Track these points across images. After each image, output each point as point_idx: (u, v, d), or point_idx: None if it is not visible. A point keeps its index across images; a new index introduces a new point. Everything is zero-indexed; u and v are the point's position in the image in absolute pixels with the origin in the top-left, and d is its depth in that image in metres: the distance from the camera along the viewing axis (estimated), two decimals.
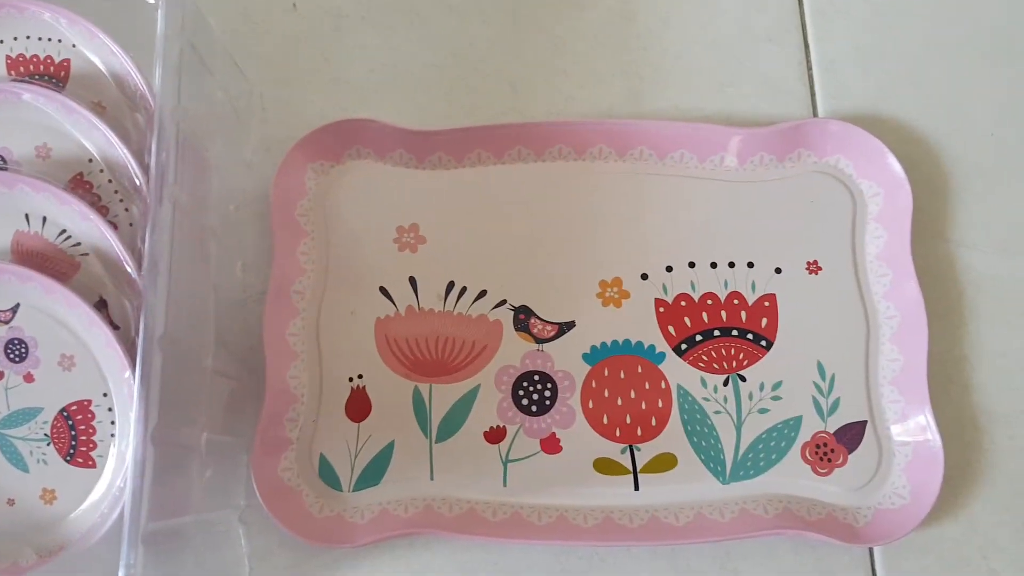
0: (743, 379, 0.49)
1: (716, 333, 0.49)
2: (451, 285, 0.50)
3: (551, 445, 0.48)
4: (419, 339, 0.49)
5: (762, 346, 0.49)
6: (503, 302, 0.50)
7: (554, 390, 0.49)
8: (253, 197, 0.52)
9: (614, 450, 0.48)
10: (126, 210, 0.43)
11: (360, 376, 0.49)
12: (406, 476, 0.47)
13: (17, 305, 0.42)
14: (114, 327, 0.41)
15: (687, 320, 0.50)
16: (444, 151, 0.51)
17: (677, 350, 0.49)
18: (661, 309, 0.50)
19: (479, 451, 0.48)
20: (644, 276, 0.50)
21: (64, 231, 0.42)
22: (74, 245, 0.42)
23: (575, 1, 0.56)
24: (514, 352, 0.49)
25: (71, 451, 0.42)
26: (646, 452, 0.48)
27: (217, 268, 0.46)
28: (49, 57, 0.44)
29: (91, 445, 0.42)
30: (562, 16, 0.56)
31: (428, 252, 0.51)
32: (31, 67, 0.44)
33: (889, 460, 0.47)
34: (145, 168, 0.41)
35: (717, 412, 0.48)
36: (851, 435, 0.48)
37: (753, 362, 0.49)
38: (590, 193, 0.51)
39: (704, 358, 0.49)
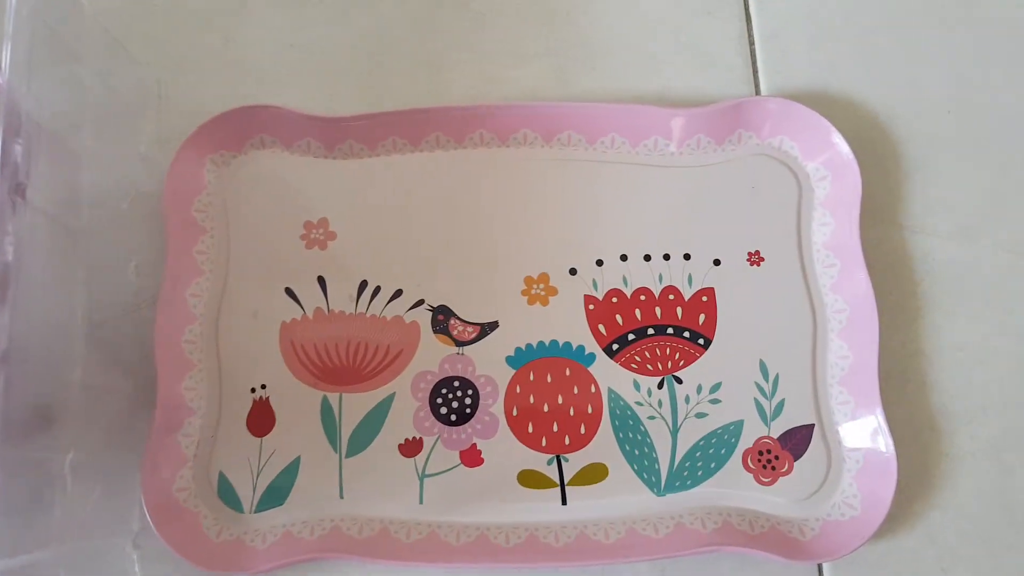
0: (679, 381, 0.45)
1: (650, 331, 0.46)
2: (364, 284, 0.46)
3: (472, 457, 0.44)
4: (328, 344, 0.45)
5: (699, 344, 0.45)
6: (420, 302, 0.46)
7: (475, 397, 0.45)
8: (148, 193, 0.47)
9: (540, 461, 0.44)
10: None
11: (263, 386, 0.45)
12: (313, 495, 0.43)
13: None
14: None
15: (619, 318, 0.46)
16: (355, 139, 0.47)
17: (608, 351, 0.45)
18: (591, 307, 0.46)
19: (393, 465, 0.44)
20: (573, 271, 0.46)
21: None
22: None
23: None
24: (432, 356, 0.45)
25: None
26: (575, 462, 0.44)
27: (104, 272, 0.42)
28: None
29: None
30: None
31: (339, 249, 0.47)
32: None
33: (839, 467, 0.44)
34: None
35: (651, 417, 0.44)
36: (797, 440, 0.44)
37: (690, 362, 0.45)
38: (514, 182, 0.48)
39: (637, 359, 0.45)
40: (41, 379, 0.36)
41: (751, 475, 0.44)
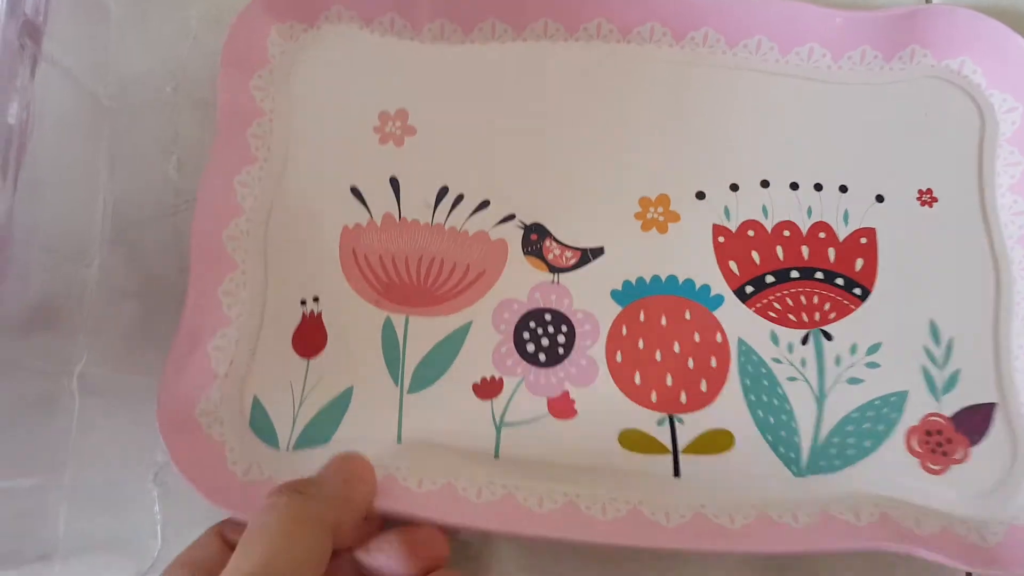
0: (828, 337, 0.36)
1: (794, 274, 0.37)
2: (444, 191, 0.38)
3: (562, 407, 0.35)
4: (397, 257, 0.37)
5: (855, 295, 0.36)
6: (511, 217, 0.38)
7: (570, 335, 0.36)
8: (197, 79, 0.40)
9: (648, 420, 0.35)
10: None
11: (316, 299, 0.37)
12: (365, 434, 0.35)
13: None
14: None
15: (755, 255, 0.37)
16: (448, 18, 0.39)
17: (740, 293, 0.37)
18: (721, 239, 0.37)
19: (465, 408, 0.35)
20: (700, 195, 0.38)
21: None
22: None
23: None
24: (521, 282, 0.37)
25: None
26: (691, 426, 0.35)
27: (140, 164, 0.36)
28: None
29: None
30: None
31: (417, 146, 0.39)
32: None
33: None
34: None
35: (792, 379, 0.35)
36: (975, 421, 0.35)
37: (843, 315, 0.36)
38: (635, 84, 0.39)
39: (777, 306, 0.36)
40: (47, 269, 0.30)
41: (917, 460, 0.34)
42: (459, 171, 0.38)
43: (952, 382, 0.35)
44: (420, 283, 0.37)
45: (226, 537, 0.31)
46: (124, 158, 0.39)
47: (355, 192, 0.38)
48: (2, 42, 0.27)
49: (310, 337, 0.36)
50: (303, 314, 0.37)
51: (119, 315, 0.37)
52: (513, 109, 0.39)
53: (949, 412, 0.35)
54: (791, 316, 0.36)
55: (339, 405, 0.35)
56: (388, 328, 0.36)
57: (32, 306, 0.31)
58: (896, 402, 0.35)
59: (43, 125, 0.31)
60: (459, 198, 0.38)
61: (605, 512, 0.33)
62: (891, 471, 0.34)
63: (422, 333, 0.36)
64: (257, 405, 0.35)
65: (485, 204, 0.38)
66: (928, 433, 0.35)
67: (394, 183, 0.38)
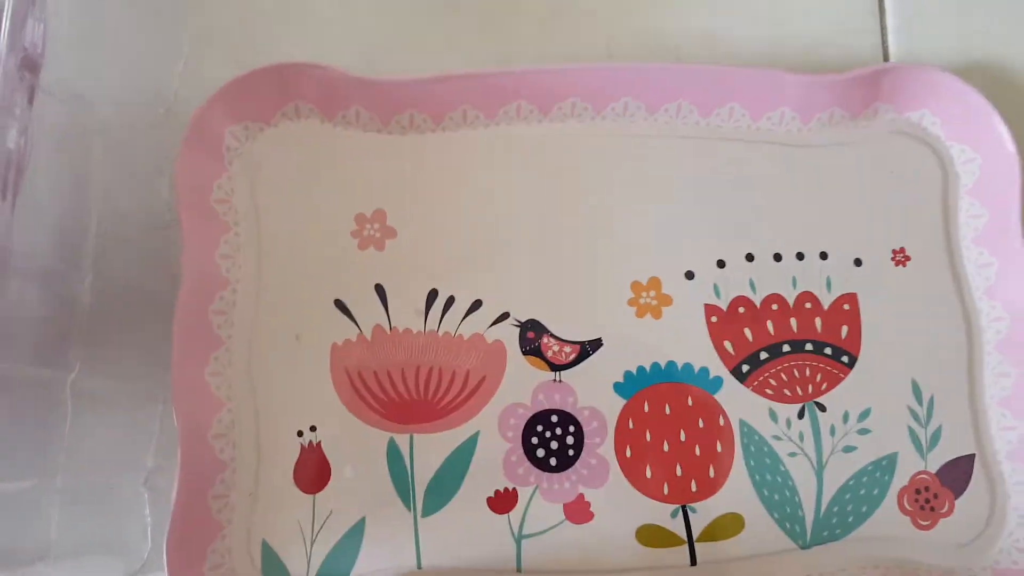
0: (822, 408, 0.37)
1: (786, 348, 0.38)
2: (434, 294, 0.37)
3: (579, 511, 0.36)
4: (393, 371, 0.36)
5: (843, 363, 0.38)
6: (505, 315, 0.37)
7: (579, 435, 0.36)
8: (186, 100, 0.39)
9: (663, 514, 0.36)
10: None
11: (313, 428, 0.35)
12: (384, 566, 0.34)
13: None
14: None
15: (748, 332, 0.38)
16: (418, 108, 0.37)
17: (737, 373, 0.37)
18: (714, 318, 0.38)
19: (482, 524, 0.35)
20: (689, 275, 0.38)
21: None
22: None
23: None
24: (523, 384, 0.36)
25: None
26: (703, 513, 0.36)
27: (133, 183, 0.37)
28: None
29: None
30: None
31: (400, 249, 0.37)
32: None
33: (1003, 504, 0.37)
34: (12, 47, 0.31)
35: (792, 454, 0.37)
36: (957, 474, 0.37)
37: (833, 385, 0.38)
38: (615, 163, 0.38)
39: (772, 382, 0.37)
40: (42, 284, 0.32)
41: (908, 518, 0.37)
42: (446, 272, 0.37)
43: (936, 439, 0.37)
44: (421, 397, 0.36)
45: None
46: (118, 178, 0.39)
47: (339, 305, 0.36)
48: (2, 75, 0.29)
49: (312, 470, 0.35)
50: (301, 446, 0.35)
51: (111, 326, 0.37)
52: (494, 199, 0.37)
53: (934, 468, 0.37)
54: (786, 391, 0.37)
55: (353, 538, 0.34)
56: (393, 450, 0.35)
57: (28, 318, 0.33)
58: (887, 465, 0.37)
59: (39, 147, 0.32)
60: (450, 300, 0.37)
61: None
62: (887, 532, 0.36)
63: (429, 450, 0.35)
64: (267, 549, 0.34)
65: (478, 304, 0.37)
66: (917, 491, 0.37)
67: (380, 291, 0.36)
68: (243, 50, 0.40)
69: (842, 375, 0.38)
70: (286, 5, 0.40)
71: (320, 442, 0.35)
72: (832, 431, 0.37)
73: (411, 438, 0.35)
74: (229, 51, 0.40)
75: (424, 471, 0.35)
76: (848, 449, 0.37)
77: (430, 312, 0.36)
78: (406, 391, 0.36)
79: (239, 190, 0.36)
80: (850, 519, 0.36)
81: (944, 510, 0.37)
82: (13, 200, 0.30)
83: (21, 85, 0.29)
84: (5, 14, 0.29)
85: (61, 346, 0.35)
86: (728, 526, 0.36)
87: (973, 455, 0.37)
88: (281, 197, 0.36)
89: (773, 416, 0.37)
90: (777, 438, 0.37)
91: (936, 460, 0.37)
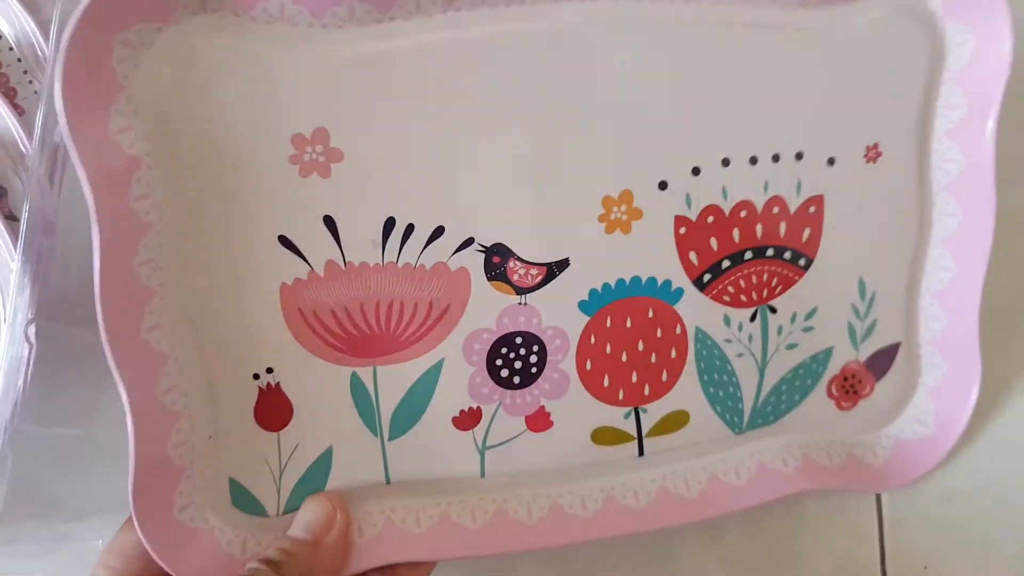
0: (773, 311, 0.38)
1: (748, 255, 0.37)
2: (391, 223, 0.33)
3: (539, 421, 0.37)
4: (351, 307, 0.33)
5: (800, 266, 0.38)
6: (469, 241, 0.34)
7: (542, 353, 0.36)
8: None
9: (616, 416, 0.38)
10: (35, 92, 0.37)
11: (270, 370, 0.33)
12: (355, 487, 0.35)
13: None
14: (12, 218, 0.35)
15: (714, 242, 0.37)
16: None
17: (699, 283, 0.37)
18: (682, 230, 0.36)
19: (448, 441, 0.36)
20: (663, 185, 0.35)
21: None
22: None
23: None
24: (488, 310, 0.35)
25: None
26: (654, 413, 0.38)
27: None
28: None
29: None
30: None
31: (348, 174, 0.32)
32: None
33: (913, 382, 0.41)
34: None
35: (740, 355, 0.38)
36: (882, 361, 0.40)
37: (788, 287, 0.38)
38: (584, 58, 0.33)
39: (731, 289, 0.37)
40: (84, 258, 0.30)
41: (833, 402, 0.40)
42: (403, 197, 0.33)
43: (870, 331, 0.40)
44: (382, 331, 0.34)
45: None
46: None
47: (284, 241, 0.32)
48: (50, 76, 0.33)
49: (273, 410, 0.34)
50: (259, 388, 0.33)
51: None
52: (451, 110, 0.32)
53: (864, 357, 0.40)
54: (743, 297, 0.38)
55: (321, 466, 0.35)
56: (356, 383, 0.34)
57: (72, 285, 0.36)
58: (823, 358, 0.39)
59: None
60: (409, 229, 0.33)
61: (585, 507, 0.38)
62: (811, 417, 0.40)
63: (393, 381, 0.35)
64: (235, 484, 0.34)
65: (440, 232, 0.33)
66: (845, 379, 0.40)
67: (329, 223, 0.32)
68: None
69: (796, 277, 0.38)
70: None
71: (279, 383, 0.33)
72: (779, 331, 0.39)
73: (374, 371, 0.34)
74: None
75: (389, 401, 0.35)
76: (791, 347, 0.39)
77: (387, 243, 0.33)
78: (367, 326, 0.34)
79: (142, 114, 0.29)
80: (782, 406, 0.40)
81: (866, 392, 0.41)
82: (60, 185, 0.34)
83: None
84: (54, 22, 0.33)
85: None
86: (675, 421, 0.38)
87: (899, 343, 0.40)
88: (196, 119, 0.30)
89: (727, 321, 0.38)
90: (728, 341, 0.38)
91: (867, 350, 0.40)
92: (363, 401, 0.35)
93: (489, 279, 0.35)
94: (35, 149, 0.33)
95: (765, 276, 0.38)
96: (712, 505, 0.39)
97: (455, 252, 0.34)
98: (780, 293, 0.38)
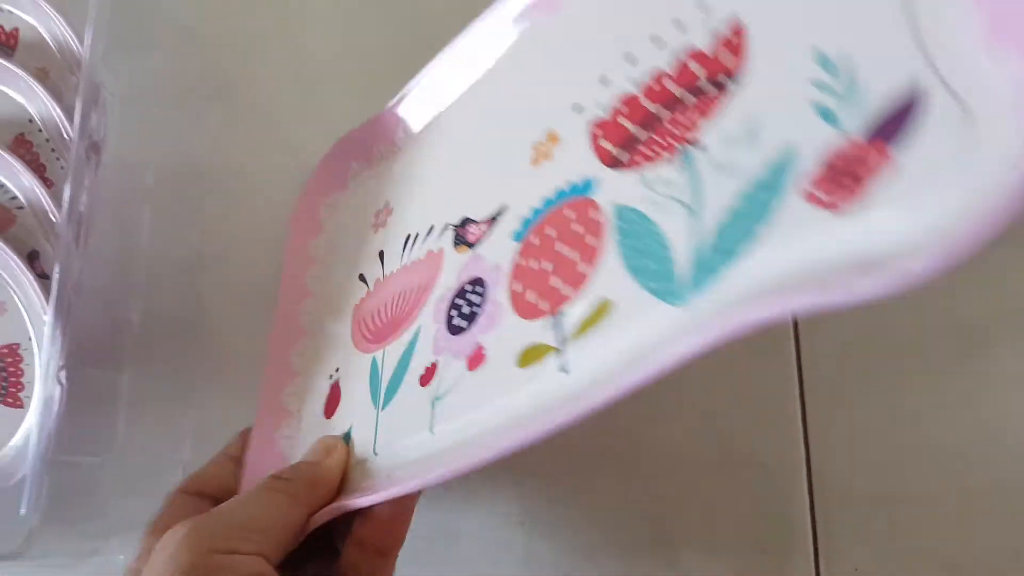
0: (698, 146, 0.28)
1: (664, 114, 0.31)
2: (407, 239, 0.42)
3: (476, 359, 0.33)
4: (378, 307, 0.41)
5: (722, 85, 0.29)
6: (446, 227, 0.40)
7: (484, 291, 0.35)
8: (217, 169, 0.52)
9: (539, 330, 0.31)
10: (62, 168, 0.46)
11: (337, 369, 0.42)
12: (358, 461, 0.37)
13: None
14: (43, 277, 0.44)
15: (627, 124, 0.32)
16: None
17: (615, 165, 0.32)
18: (598, 132, 0.34)
19: (414, 401, 0.35)
20: (577, 108, 0.35)
21: (2, 186, 0.46)
22: (11, 199, 0.46)
23: None
24: (453, 272, 0.38)
25: (2, 392, 0.44)
26: (573, 313, 0.30)
27: (173, 232, 0.48)
28: (0, 27, 0.49)
29: (20, 386, 0.44)
30: None
31: (394, 221, 0.44)
32: None
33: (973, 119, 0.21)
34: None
35: (661, 207, 0.28)
36: (893, 117, 0.23)
37: (710, 112, 0.29)
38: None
39: (647, 152, 0.31)
40: (104, 312, 0.42)
41: (815, 206, 0.23)
42: (414, 219, 0.43)
43: (851, 89, 0.24)
44: (393, 318, 0.40)
45: (231, 453, 0.40)
46: (158, 225, 0.51)
47: (362, 278, 0.44)
48: (75, 158, 0.42)
49: (333, 402, 0.41)
50: (329, 386, 0.42)
51: (154, 343, 0.48)
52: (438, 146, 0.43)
53: (853, 126, 0.24)
54: (663, 152, 0.30)
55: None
56: (373, 367, 0.40)
57: (93, 333, 0.43)
58: (782, 160, 0.25)
59: (102, 208, 0.44)
60: (415, 237, 0.42)
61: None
62: (789, 238, 0.24)
63: (392, 357, 0.39)
64: None
65: (431, 229, 0.41)
66: (830, 169, 0.24)
67: (380, 255, 0.44)
68: (255, 127, 0.53)
69: (720, 97, 0.29)
70: (297, 94, 0.54)
71: (339, 379, 0.42)
72: (711, 163, 0.28)
73: (383, 352, 0.39)
74: (245, 132, 0.52)
75: (387, 375, 0.38)
76: (725, 167, 0.27)
77: (404, 253, 0.42)
78: (387, 317, 0.41)
79: (327, 235, 0.49)
80: (737, 245, 0.25)
81: (881, 167, 0.23)
82: (84, 247, 0.40)
83: (89, 164, 0.41)
84: (77, 111, 0.41)
85: (117, 355, 0.45)
86: (598, 314, 0.29)
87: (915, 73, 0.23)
88: (343, 226, 0.49)
89: (645, 182, 0.30)
90: (649, 200, 0.29)
91: (854, 114, 0.24)
92: (375, 380, 0.39)
93: (455, 247, 0.38)
94: (64, 219, 0.39)
95: (685, 116, 0.30)
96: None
97: (438, 238, 0.40)
98: (705, 118, 0.29)
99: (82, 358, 0.40)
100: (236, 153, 0.53)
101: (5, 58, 0.47)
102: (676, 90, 0.31)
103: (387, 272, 0.43)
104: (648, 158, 0.30)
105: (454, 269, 0.38)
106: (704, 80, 0.30)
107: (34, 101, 0.47)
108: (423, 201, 0.43)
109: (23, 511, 0.38)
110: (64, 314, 0.40)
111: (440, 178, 0.43)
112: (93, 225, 0.42)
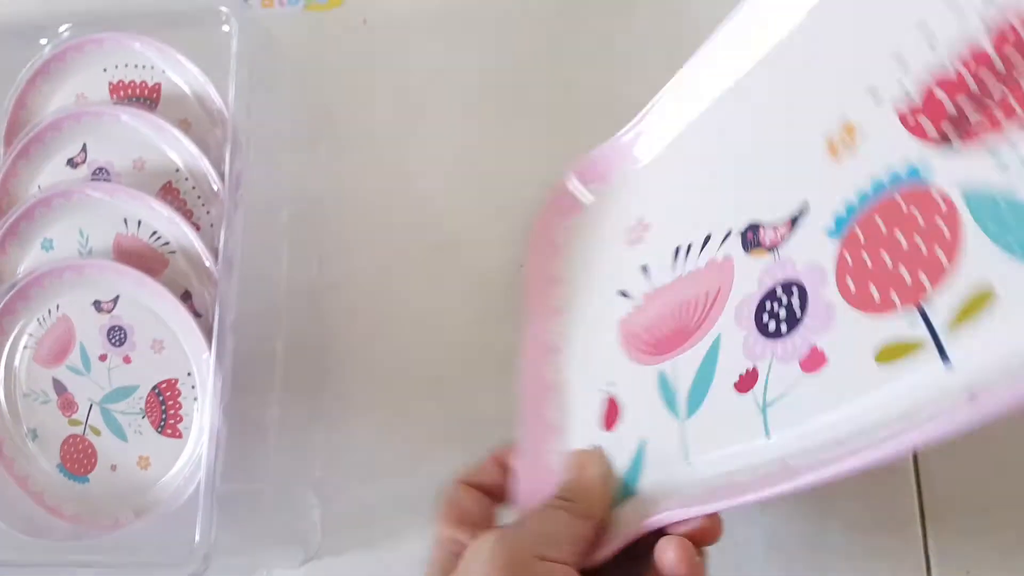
0: None
1: (996, 90, 0.30)
2: (677, 250, 0.42)
3: (813, 361, 0.33)
4: (657, 319, 0.41)
5: None
6: (728, 234, 0.39)
7: (802, 293, 0.34)
8: (330, 197, 0.56)
9: (900, 326, 0.30)
10: (207, 213, 0.49)
11: (609, 383, 0.42)
12: (662, 472, 0.37)
13: (117, 297, 0.49)
14: (197, 315, 0.47)
15: (948, 105, 0.32)
16: None
17: (946, 146, 0.31)
18: (911, 114, 0.33)
19: (733, 407, 0.35)
20: (873, 92, 0.35)
21: (155, 232, 0.49)
22: (164, 244, 0.49)
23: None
24: (750, 277, 0.37)
25: (162, 423, 0.47)
26: (943, 302, 0.29)
27: (293, 263, 0.51)
28: (144, 82, 0.52)
29: (178, 418, 0.47)
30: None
31: (652, 237, 0.45)
32: (129, 91, 0.52)
33: None
34: (222, 176, 0.47)
35: (1015, 172, 0.27)
36: None
37: None
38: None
39: (984, 124, 0.30)
40: (254, 345, 0.45)
41: None
42: (683, 229, 0.43)
43: None
44: (678, 328, 0.40)
45: (503, 462, 0.41)
46: (293, 260, 0.53)
47: (624, 294, 0.45)
48: (228, 207, 0.45)
49: (611, 414, 0.41)
50: (603, 399, 0.42)
51: (292, 373, 0.50)
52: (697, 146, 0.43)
53: None
54: (1001, 123, 0.29)
55: (638, 459, 0.38)
56: (662, 378, 0.40)
57: (246, 370, 0.45)
58: None
59: (242, 245, 0.46)
60: (688, 248, 0.41)
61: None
62: None
63: (688, 366, 0.38)
64: None
65: (708, 238, 0.41)
66: None
67: (644, 269, 0.44)
68: (360, 158, 0.57)
69: None
70: (397, 128, 0.57)
71: (616, 393, 0.42)
72: None
73: (674, 363, 0.39)
74: (350, 162, 0.56)
75: (684, 383, 0.38)
76: None
77: (676, 263, 0.42)
78: (668, 328, 0.40)
79: (568, 261, 0.50)
80: None
81: None
82: (237, 286, 0.43)
83: (236, 209, 0.44)
84: (226, 163, 0.45)
85: (266, 385, 0.47)
86: (977, 304, 0.28)
87: None
88: (588, 251, 0.49)
89: (996, 157, 0.29)
90: (1005, 177, 0.28)
91: None
92: (666, 390, 0.39)
93: (747, 251, 0.38)
94: (222, 266, 0.42)
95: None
96: None
97: (720, 246, 0.40)
98: None
99: (236, 389, 0.42)
100: (342, 184, 0.56)
101: (150, 111, 0.50)
102: (999, 64, 0.30)
103: (657, 285, 0.43)
104: (988, 129, 0.29)
105: (752, 274, 0.37)
106: None
107: (179, 151, 0.49)
108: (688, 212, 0.43)
109: (198, 538, 0.39)
110: (224, 352, 0.42)
111: (706, 187, 0.43)
112: (237, 263, 0.45)
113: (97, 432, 0.48)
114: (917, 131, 0.32)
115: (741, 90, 0.42)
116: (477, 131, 0.56)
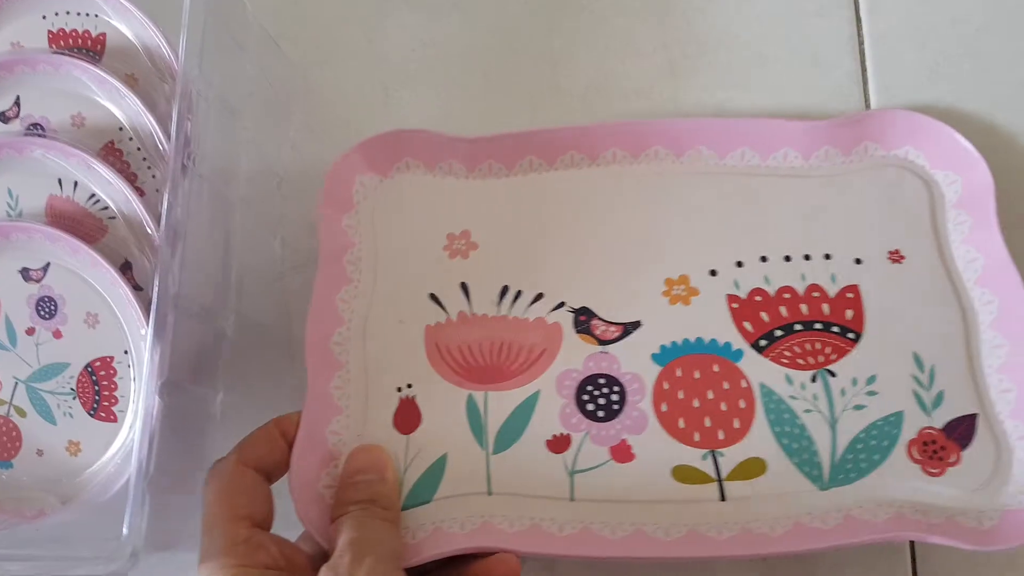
0: (832, 374, 0.44)
1: (797, 327, 0.45)
2: (505, 289, 0.47)
3: (622, 453, 0.43)
4: (472, 345, 0.46)
5: (849, 339, 0.45)
6: (561, 304, 0.47)
7: (622, 394, 0.44)
8: (297, 175, 0.52)
9: (694, 456, 0.43)
10: (153, 177, 0.45)
11: (409, 386, 0.45)
12: (461, 491, 0.42)
13: (48, 264, 0.44)
14: (137, 288, 0.43)
15: (764, 315, 0.45)
16: (495, 159, 0.50)
17: (756, 347, 0.45)
18: (735, 305, 0.46)
19: (542, 461, 0.43)
20: (713, 272, 0.47)
21: (94, 196, 0.44)
22: (102, 209, 0.44)
23: None
24: (576, 355, 0.45)
25: (95, 405, 0.43)
26: (730, 457, 0.42)
27: (255, 242, 0.46)
28: (87, 31, 0.46)
29: (113, 400, 0.43)
30: None
31: (480, 258, 0.48)
32: (70, 41, 0.46)
33: (1008, 456, 0.41)
34: (169, 136, 0.42)
35: (807, 411, 0.43)
36: (962, 430, 0.42)
37: (841, 356, 0.44)
38: (649, 194, 0.49)
39: (787, 354, 0.44)
40: (200, 325, 0.40)
41: (918, 466, 0.41)
42: (516, 273, 0.47)
43: (939, 400, 0.43)
44: (493, 363, 0.45)
45: (284, 432, 0.41)
46: (244, 237, 0.48)
47: (433, 298, 0.47)
48: (173, 168, 0.40)
49: (408, 417, 0.44)
50: (400, 398, 0.45)
51: (245, 358, 0.46)
52: (554, 223, 0.49)
53: (940, 424, 0.42)
54: (800, 360, 0.44)
55: (436, 470, 0.43)
56: (471, 404, 0.44)
57: (190, 347, 0.41)
58: (895, 421, 0.42)
59: (195, 216, 0.41)
60: (518, 294, 0.47)
61: (668, 534, 0.40)
62: (898, 477, 0.41)
63: (499, 405, 0.44)
64: None
65: (540, 296, 0.47)
66: (924, 444, 0.42)
67: (464, 287, 0.47)
68: (337, 136, 0.53)
69: (849, 348, 0.44)
70: (371, 101, 0.55)
71: (415, 396, 0.45)
72: (842, 392, 0.43)
73: (485, 395, 0.45)
74: (325, 137, 0.54)
75: (495, 420, 0.44)
76: (858, 408, 0.43)
77: (502, 302, 0.47)
78: (483, 359, 0.45)
79: (363, 219, 0.49)
80: (863, 465, 0.42)
81: (952, 460, 0.42)
82: (182, 257, 0.39)
83: (184, 173, 0.39)
84: (173, 120, 0.39)
85: (213, 369, 0.43)
86: (752, 468, 0.42)
87: (976, 414, 0.42)
88: (394, 223, 0.49)
89: (789, 380, 0.44)
90: (793, 398, 0.43)
91: (941, 418, 0.42)
92: (475, 417, 0.44)
93: (577, 332, 0.46)
94: (163, 231, 0.38)
95: (818, 344, 0.45)
96: (795, 542, 0.39)
97: (551, 311, 0.46)
98: (836, 360, 0.44)
99: (178, 372, 0.39)
100: (312, 161, 0.51)
101: (93, 63, 0.44)
102: (806, 312, 0.45)
103: (477, 312, 0.47)
104: (790, 360, 0.44)
105: (579, 354, 0.45)
106: (837, 325, 0.45)
107: (124, 108, 0.45)
108: (526, 261, 0.48)
109: (125, 531, 0.35)
110: (163, 327, 0.38)
111: (549, 246, 0.48)
112: (183, 232, 0.40)
113: (23, 413, 0.44)
114: (740, 326, 0.45)
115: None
116: (460, 105, 0.54)
